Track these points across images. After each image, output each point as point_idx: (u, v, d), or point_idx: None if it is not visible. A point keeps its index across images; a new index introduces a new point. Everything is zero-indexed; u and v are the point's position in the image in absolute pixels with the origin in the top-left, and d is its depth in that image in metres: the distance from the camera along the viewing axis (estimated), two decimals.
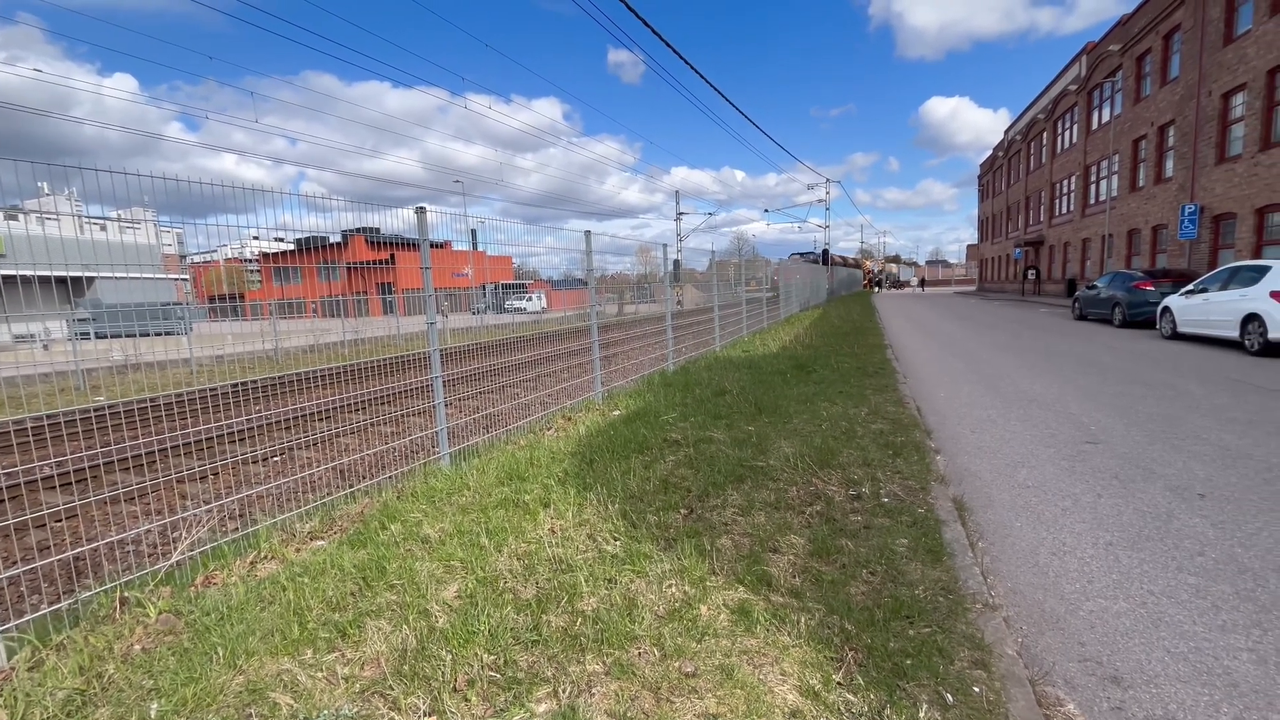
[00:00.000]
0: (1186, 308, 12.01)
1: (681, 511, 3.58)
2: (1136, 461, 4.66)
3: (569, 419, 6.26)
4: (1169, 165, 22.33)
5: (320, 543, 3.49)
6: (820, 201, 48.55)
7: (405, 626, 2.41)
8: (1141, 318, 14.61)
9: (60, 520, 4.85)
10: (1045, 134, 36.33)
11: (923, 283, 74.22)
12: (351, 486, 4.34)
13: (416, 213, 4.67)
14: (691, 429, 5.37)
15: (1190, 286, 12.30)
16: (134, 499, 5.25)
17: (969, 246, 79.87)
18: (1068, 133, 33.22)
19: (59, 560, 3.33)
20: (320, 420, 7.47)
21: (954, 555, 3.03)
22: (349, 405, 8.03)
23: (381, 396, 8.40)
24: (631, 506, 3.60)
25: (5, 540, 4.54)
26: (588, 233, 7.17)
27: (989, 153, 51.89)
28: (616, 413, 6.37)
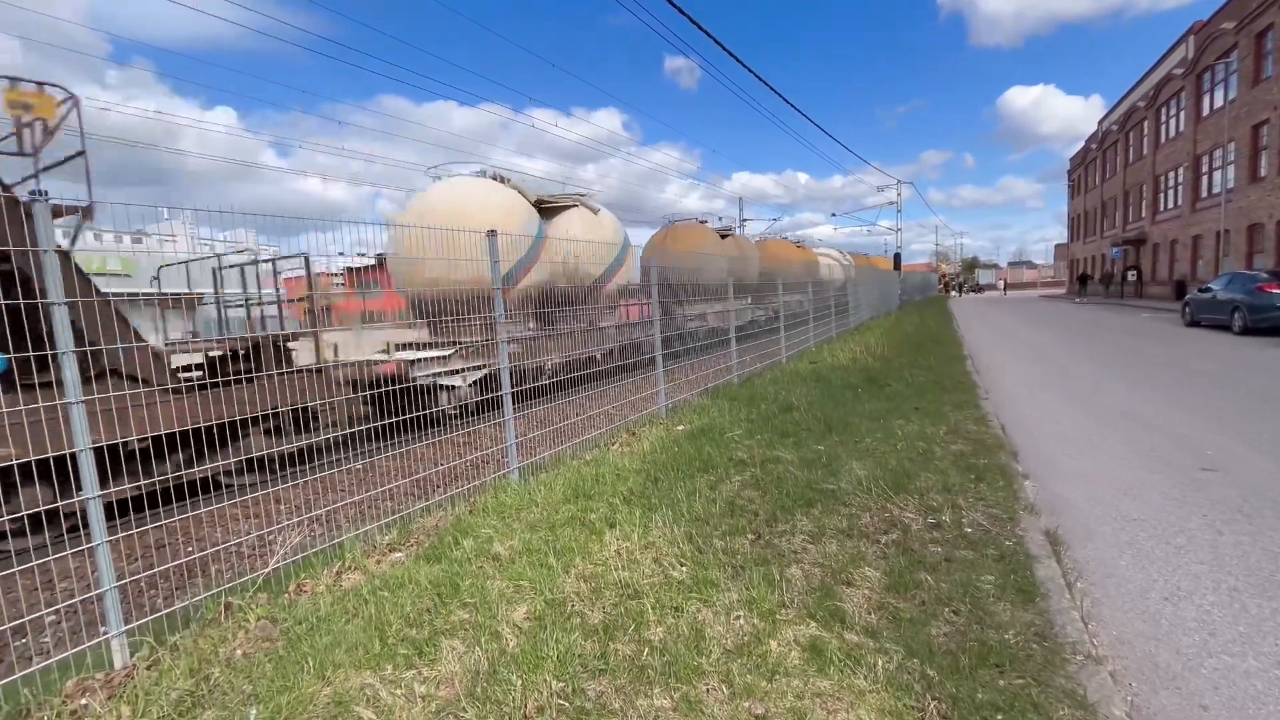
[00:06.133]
0: None
1: (749, 536, 3.50)
2: (1264, 493, 4.15)
3: (633, 434, 6.28)
4: None
5: (398, 555, 3.66)
6: (891, 204, 46.67)
7: (477, 648, 2.47)
8: (1267, 324, 13.09)
9: (174, 522, 5.32)
10: (1146, 123, 33.41)
11: (1005, 286, 69.67)
12: (427, 499, 4.53)
13: (488, 236, 4.85)
14: (758, 447, 5.27)
15: None
16: (236, 505, 5.69)
17: (1057, 246, 74.37)
18: (1173, 120, 30.40)
19: (174, 566, 3.66)
20: (399, 433, 7.84)
21: (1049, 596, 2.80)
22: (426, 418, 8.38)
23: (455, 410, 8.73)
24: (697, 530, 3.56)
25: (128, 541, 5.03)
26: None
27: (1080, 145, 48.32)
28: (681, 428, 6.34)
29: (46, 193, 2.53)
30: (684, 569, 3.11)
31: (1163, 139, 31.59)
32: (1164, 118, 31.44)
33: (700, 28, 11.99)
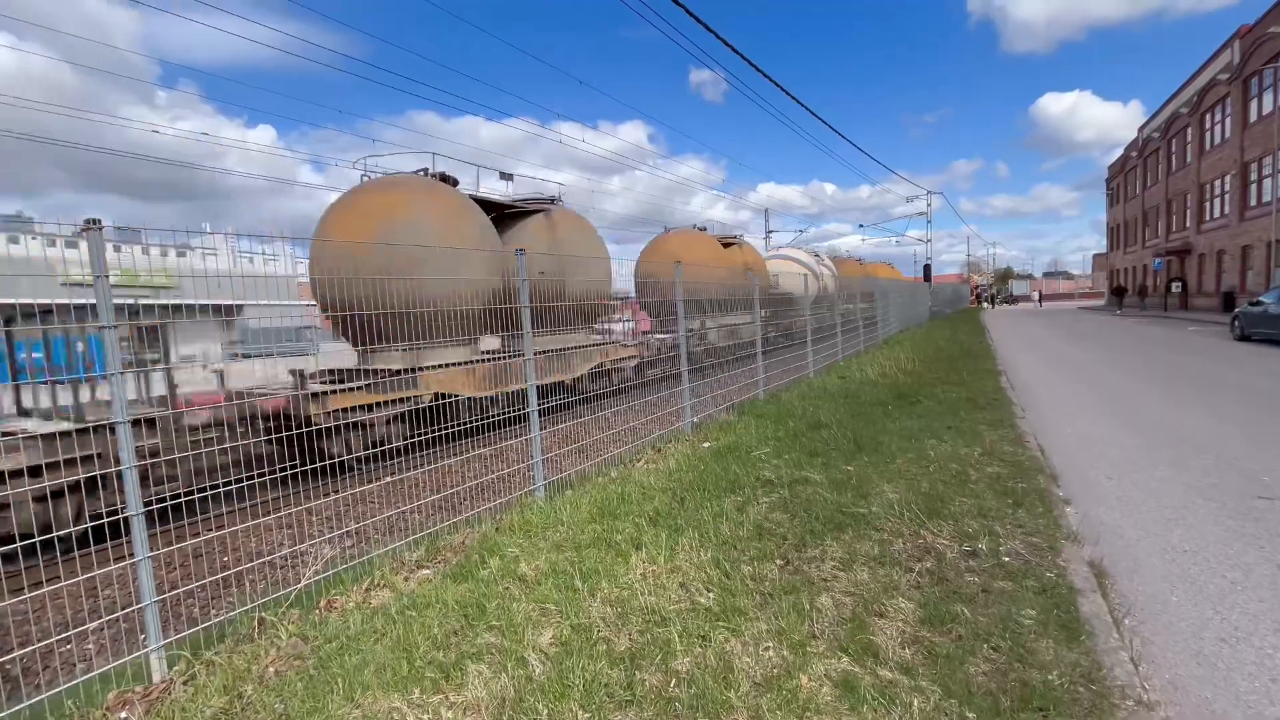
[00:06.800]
0: None
1: (777, 562, 3.44)
2: None
3: (659, 450, 6.25)
4: None
5: (426, 572, 3.69)
6: (921, 214, 45.99)
7: (504, 673, 2.47)
8: None
9: (211, 532, 5.46)
10: (1190, 129, 32.32)
11: (1040, 297, 67.72)
12: (454, 516, 4.56)
13: (517, 253, 4.91)
14: (785, 467, 5.18)
15: None
16: (270, 516, 5.81)
17: (1095, 256, 72.23)
18: (1219, 127, 29.34)
19: (211, 581, 3.75)
20: (425, 447, 7.94)
21: (1095, 634, 2.67)
22: (451, 432, 8.48)
23: (481, 425, 8.81)
24: (724, 554, 3.50)
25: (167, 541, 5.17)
26: (678, 263, 7.21)
27: (1119, 152, 46.95)
28: (706, 445, 6.29)
29: (100, 221, 2.64)
30: (711, 595, 3.06)
31: (1208, 146, 30.50)
32: (1209, 124, 30.37)
33: (725, 42, 12.05)
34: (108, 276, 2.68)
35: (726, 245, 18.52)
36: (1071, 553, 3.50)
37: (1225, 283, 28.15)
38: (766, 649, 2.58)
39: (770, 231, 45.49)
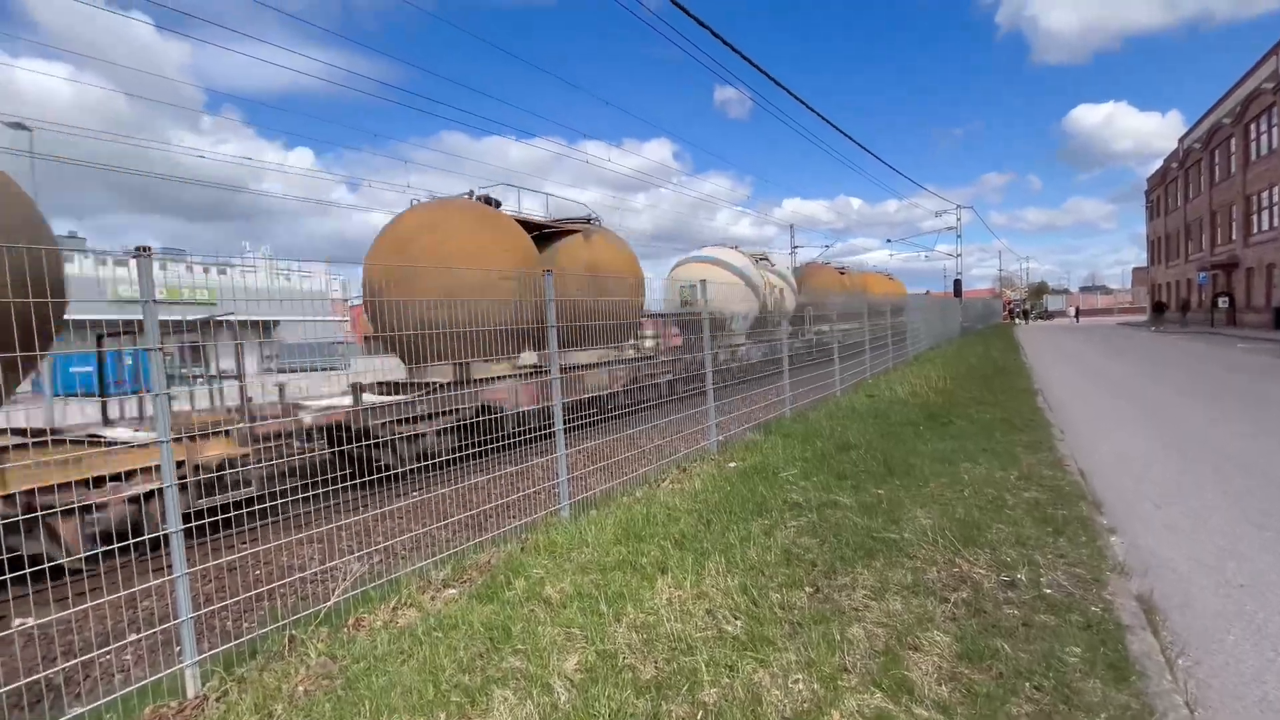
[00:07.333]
0: None
1: (807, 589, 3.36)
2: None
3: (684, 470, 6.20)
4: None
5: (452, 591, 3.70)
6: (951, 229, 45.28)
7: (529, 700, 2.44)
8: None
9: (245, 546, 5.57)
10: (1234, 140, 31.27)
11: (1077, 313, 65.67)
12: (480, 534, 4.58)
13: (544, 274, 4.97)
14: (813, 489, 5.09)
15: None
16: (302, 531, 5.92)
17: (1135, 270, 69.91)
18: (1264, 136, 28.33)
19: (244, 597, 3.82)
20: (451, 464, 8.01)
21: (1146, 675, 2.54)
22: (477, 450, 8.54)
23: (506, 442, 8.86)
24: (752, 580, 3.44)
25: (202, 553, 5.29)
26: (703, 282, 7.21)
27: (1158, 164, 45.67)
28: (732, 465, 6.22)
29: (149, 248, 2.76)
30: (738, 623, 3.00)
31: (1253, 156, 29.44)
32: (1254, 134, 29.35)
33: (747, 59, 12.13)
34: (156, 301, 2.79)
35: (559, 234, 10.85)
36: (1118, 585, 3.34)
37: (1276, 298, 26.97)
38: (796, 681, 2.51)
39: (796, 247, 45.21)
